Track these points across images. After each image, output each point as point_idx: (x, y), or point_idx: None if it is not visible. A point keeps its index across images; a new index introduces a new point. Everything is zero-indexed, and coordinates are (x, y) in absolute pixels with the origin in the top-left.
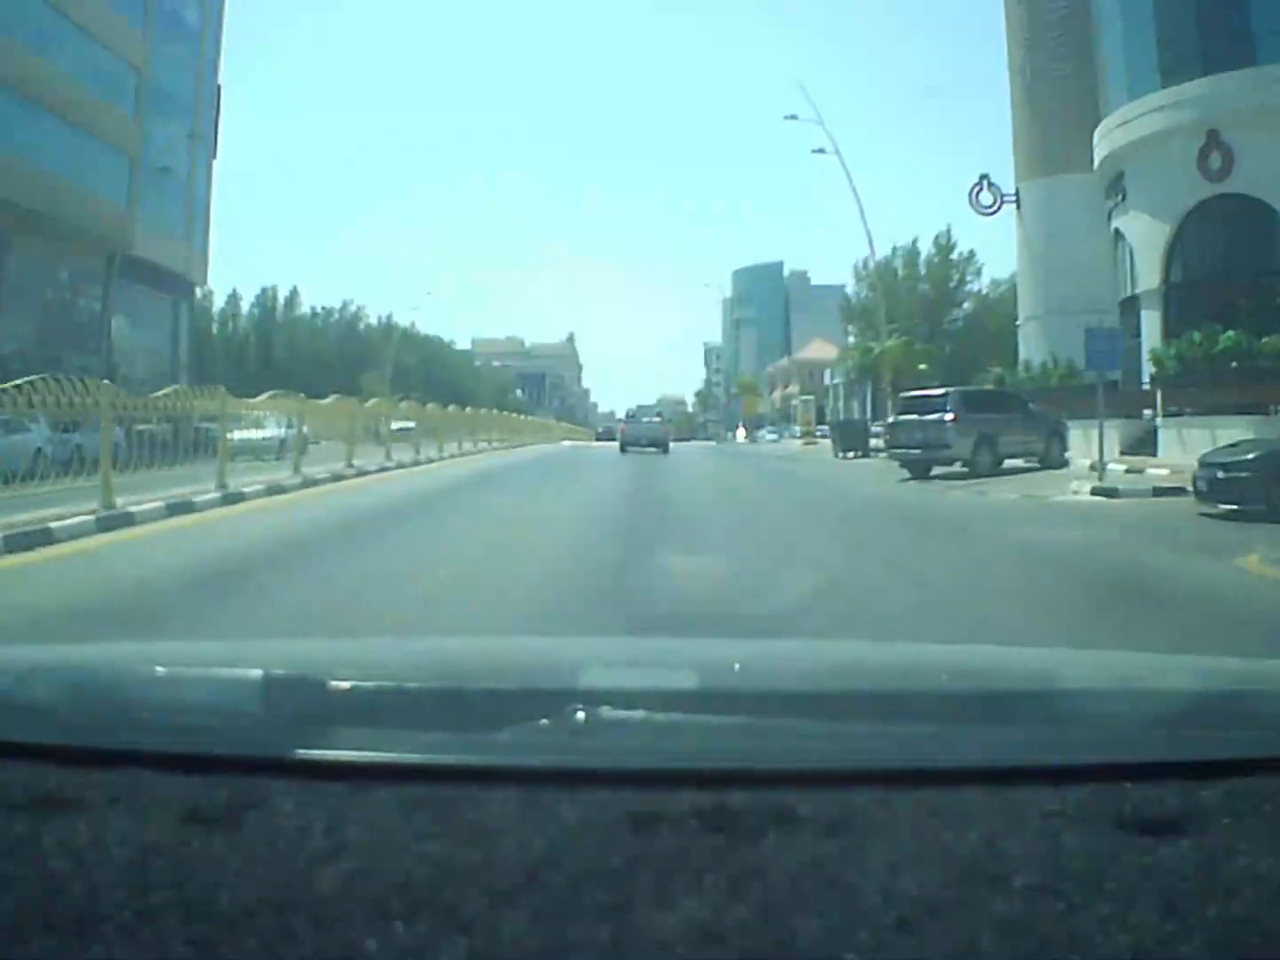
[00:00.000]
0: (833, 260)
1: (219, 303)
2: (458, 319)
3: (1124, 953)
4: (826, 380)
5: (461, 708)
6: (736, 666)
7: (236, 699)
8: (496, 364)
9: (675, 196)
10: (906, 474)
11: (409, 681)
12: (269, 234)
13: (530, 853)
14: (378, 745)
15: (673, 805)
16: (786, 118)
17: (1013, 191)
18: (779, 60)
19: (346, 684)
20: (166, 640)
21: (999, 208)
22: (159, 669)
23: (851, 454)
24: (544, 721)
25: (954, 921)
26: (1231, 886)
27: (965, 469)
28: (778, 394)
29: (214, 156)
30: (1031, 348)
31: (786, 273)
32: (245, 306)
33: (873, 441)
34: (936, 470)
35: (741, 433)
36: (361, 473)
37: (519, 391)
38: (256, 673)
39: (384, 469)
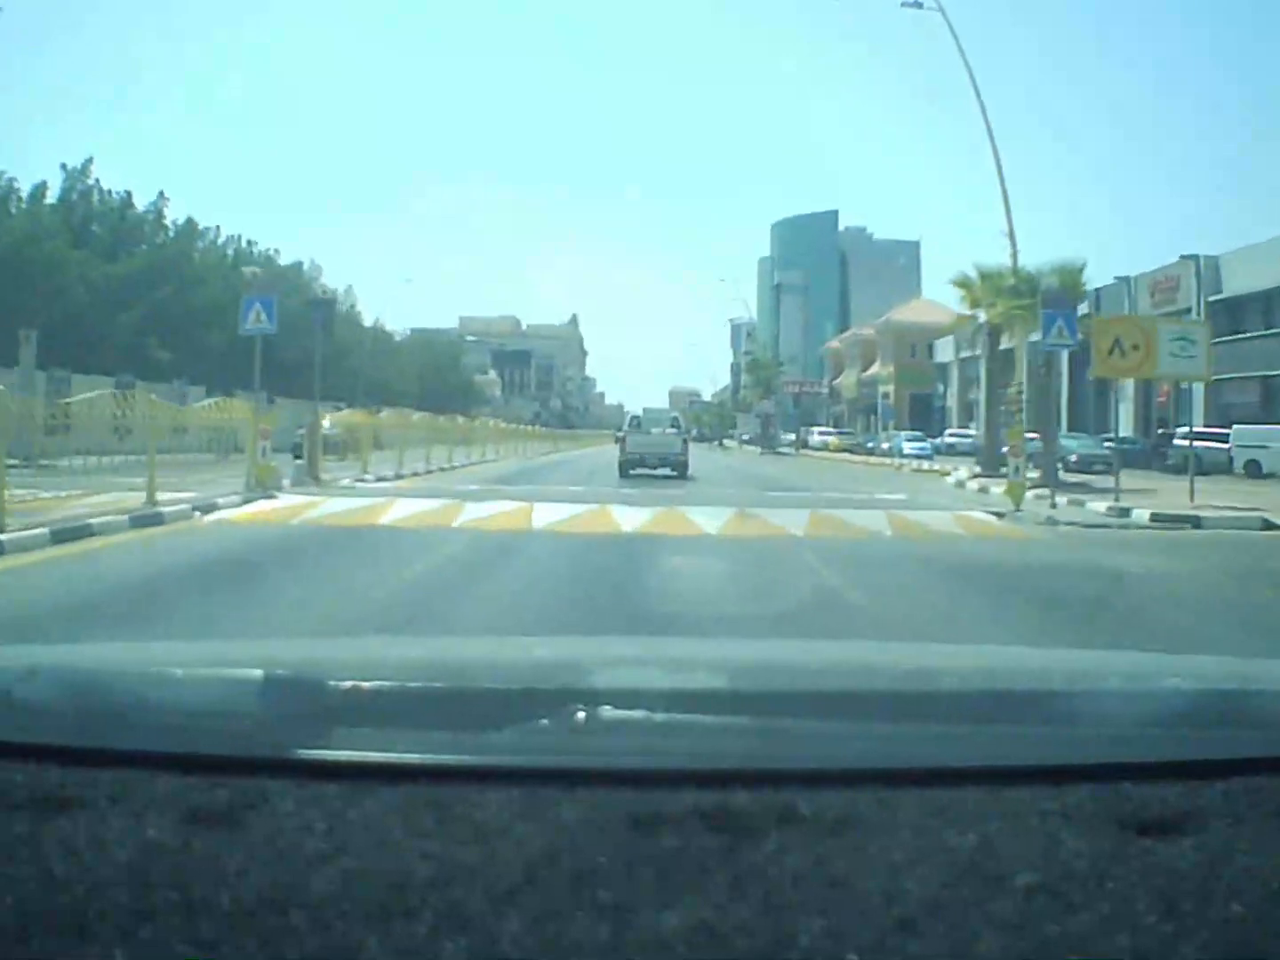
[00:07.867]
0: (896, 214)
1: None
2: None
3: (1124, 953)
4: (940, 356)
5: (461, 708)
6: (737, 666)
7: (236, 699)
8: (472, 339)
9: (700, 146)
10: None
11: (409, 681)
12: (276, 202)
13: (530, 853)
14: (378, 745)
15: (673, 805)
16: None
17: None
18: None
19: (346, 684)
20: (166, 640)
21: None
22: (159, 669)
23: None
24: (544, 721)
25: (955, 921)
26: (1231, 886)
27: None
28: (843, 380)
29: None
30: None
31: (841, 227)
32: None
33: None
34: None
35: (810, 434)
36: None
37: (490, 373)
38: (256, 673)
39: None
